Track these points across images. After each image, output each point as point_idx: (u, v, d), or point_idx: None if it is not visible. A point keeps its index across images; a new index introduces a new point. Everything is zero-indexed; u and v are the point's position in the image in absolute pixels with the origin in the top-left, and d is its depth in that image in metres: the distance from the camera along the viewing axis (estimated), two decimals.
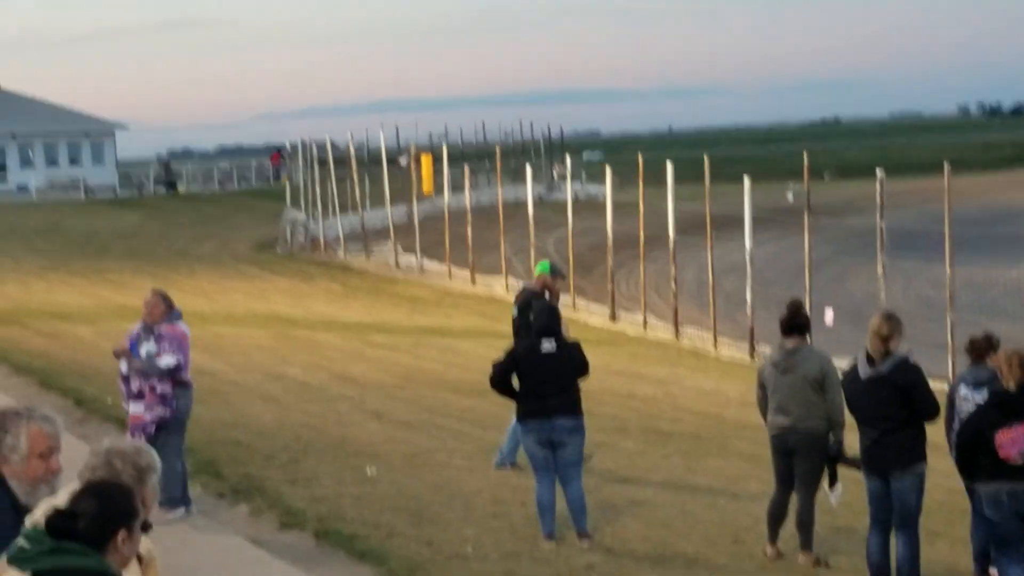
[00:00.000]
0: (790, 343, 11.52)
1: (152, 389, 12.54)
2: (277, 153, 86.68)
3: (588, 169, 69.78)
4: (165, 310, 12.75)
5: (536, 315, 12.58)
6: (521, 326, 14.37)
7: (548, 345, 12.06)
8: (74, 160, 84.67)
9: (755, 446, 15.42)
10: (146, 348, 12.56)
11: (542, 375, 12.01)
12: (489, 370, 12.42)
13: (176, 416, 12.71)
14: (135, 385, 12.60)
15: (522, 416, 12.24)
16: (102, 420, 16.54)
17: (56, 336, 26.11)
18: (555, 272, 15.34)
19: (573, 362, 12.12)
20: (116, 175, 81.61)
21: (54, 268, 44.67)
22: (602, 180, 39.17)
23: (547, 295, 14.62)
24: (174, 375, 12.62)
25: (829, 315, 24.85)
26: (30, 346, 24.14)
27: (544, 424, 11.97)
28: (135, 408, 12.62)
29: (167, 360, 12.52)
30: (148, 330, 12.66)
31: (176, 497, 12.44)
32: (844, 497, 11.86)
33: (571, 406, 12.00)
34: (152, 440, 11.85)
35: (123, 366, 12.73)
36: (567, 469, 12.01)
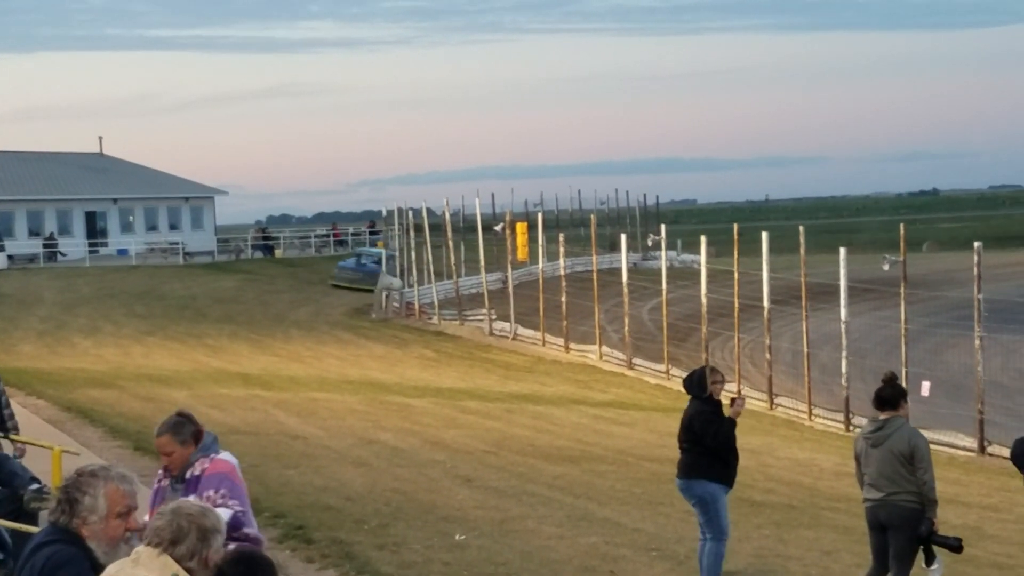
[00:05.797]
0: (882, 416, 11.37)
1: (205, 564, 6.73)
2: (335, 228, 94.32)
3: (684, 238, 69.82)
4: (189, 444, 7.67)
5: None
6: None
7: (689, 406, 12.52)
8: (174, 225, 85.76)
9: (849, 518, 15.22)
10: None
11: (680, 433, 12.52)
12: None
13: None
14: None
15: None
16: None
17: (152, 399, 26.34)
18: None
19: (693, 425, 12.30)
20: (215, 240, 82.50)
21: (152, 332, 45.22)
22: (697, 249, 39.07)
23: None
24: (235, 534, 7.10)
25: (926, 387, 24.62)
26: (126, 409, 24.38)
27: (677, 482, 12.59)
28: None
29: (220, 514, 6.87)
30: (179, 479, 7.66)
31: None
32: (943, 572, 11.60)
33: (684, 467, 12.42)
34: None
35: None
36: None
